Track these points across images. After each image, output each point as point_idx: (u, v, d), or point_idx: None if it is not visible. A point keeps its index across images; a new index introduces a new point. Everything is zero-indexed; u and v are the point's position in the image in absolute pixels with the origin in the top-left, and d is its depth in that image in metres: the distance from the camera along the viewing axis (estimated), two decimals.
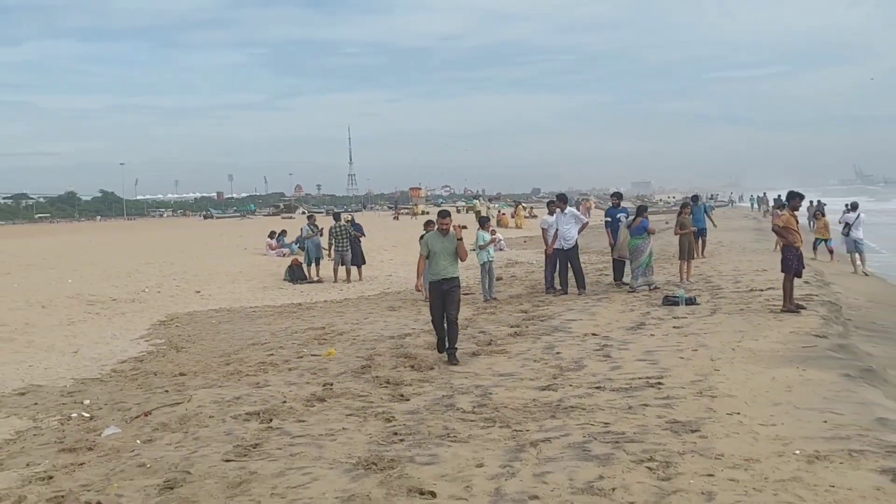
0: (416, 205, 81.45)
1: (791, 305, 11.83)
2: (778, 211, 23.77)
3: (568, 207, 15.65)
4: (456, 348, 9.48)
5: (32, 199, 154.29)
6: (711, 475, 5.17)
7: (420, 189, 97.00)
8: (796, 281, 12.26)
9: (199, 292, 18.08)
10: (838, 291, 14.69)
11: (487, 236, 15.33)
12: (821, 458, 5.41)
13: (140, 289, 18.19)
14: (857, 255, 19.38)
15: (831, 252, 22.38)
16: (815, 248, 22.39)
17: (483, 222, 16.18)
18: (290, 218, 67.51)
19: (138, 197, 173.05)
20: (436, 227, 10.05)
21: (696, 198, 25.51)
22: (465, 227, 9.58)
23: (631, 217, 15.79)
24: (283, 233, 29.10)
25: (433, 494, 5.09)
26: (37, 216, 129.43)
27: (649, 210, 17.85)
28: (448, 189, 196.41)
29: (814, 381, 7.64)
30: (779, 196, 34.16)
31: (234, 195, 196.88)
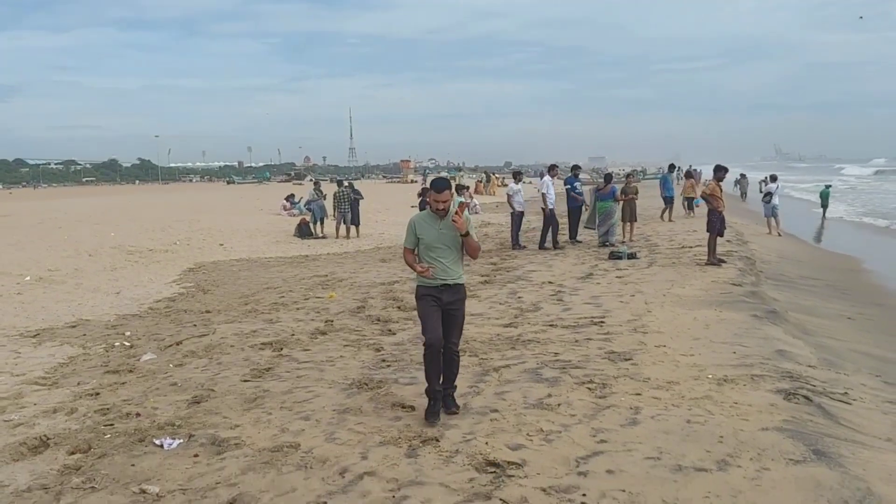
0: (406, 174, 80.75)
1: (714, 259, 12.01)
2: (685, 178, 23.55)
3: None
4: (455, 386, 5.29)
5: (80, 165, 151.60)
6: (639, 394, 5.34)
7: (409, 161, 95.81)
8: (719, 240, 12.43)
9: (222, 245, 18.02)
10: (754, 249, 14.87)
11: (459, 200, 15.28)
12: (728, 381, 5.59)
13: (172, 241, 18.12)
14: (772, 220, 19.47)
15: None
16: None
17: (460, 190, 16.10)
18: (300, 184, 67.03)
19: (171, 164, 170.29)
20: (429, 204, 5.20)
21: (672, 167, 24.43)
22: (467, 203, 6.10)
23: (600, 183, 16.11)
24: (292, 196, 29.06)
25: (412, 408, 5.23)
26: (84, 180, 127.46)
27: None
28: (434, 161, 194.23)
29: (728, 321, 7.81)
30: (690, 167, 34.58)
31: (253, 164, 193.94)
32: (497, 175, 57.44)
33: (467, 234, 5.05)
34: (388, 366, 6.47)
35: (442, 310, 5.09)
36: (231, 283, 12.22)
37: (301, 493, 3.94)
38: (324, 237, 19.89)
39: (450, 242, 5.10)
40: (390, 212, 28.23)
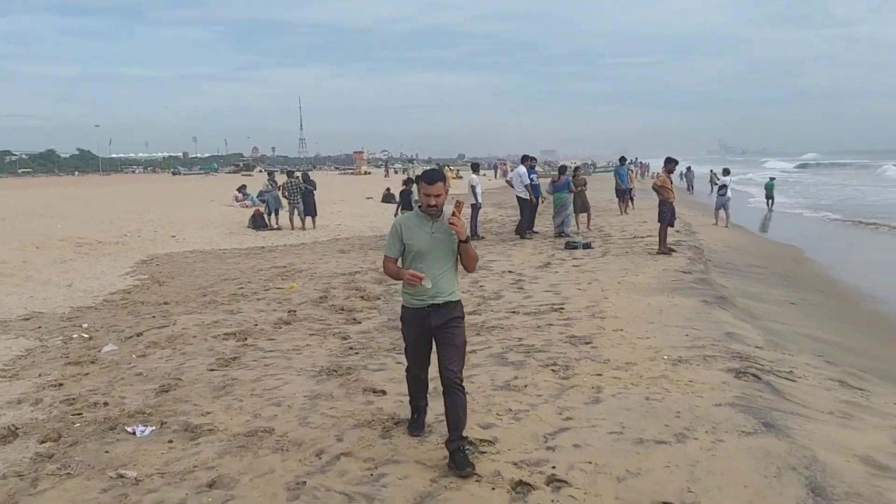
0: (359, 166, 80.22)
1: (664, 249, 12.46)
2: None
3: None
4: (465, 438, 4.10)
5: (15, 155, 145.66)
6: (600, 374, 5.60)
7: (363, 152, 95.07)
8: (669, 230, 12.90)
9: (174, 236, 17.74)
10: (702, 239, 15.42)
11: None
12: (683, 361, 5.91)
13: (122, 233, 17.74)
14: (722, 211, 20.03)
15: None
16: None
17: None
18: (249, 175, 66.07)
19: (112, 155, 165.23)
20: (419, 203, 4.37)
21: (623, 159, 24.28)
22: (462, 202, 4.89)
23: (555, 175, 16.54)
24: (244, 187, 28.79)
25: (384, 392, 5.38)
26: (20, 171, 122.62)
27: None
28: (386, 153, 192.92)
29: (679, 306, 8.18)
30: (636, 159, 34.80)
31: (199, 155, 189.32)
32: (451, 167, 57.74)
33: (467, 240, 4.11)
34: (356, 353, 6.59)
35: (433, 334, 4.13)
36: (187, 275, 12.09)
37: (280, 473, 4.05)
38: (278, 228, 19.77)
39: (444, 249, 4.11)
40: (346, 203, 28.19)
